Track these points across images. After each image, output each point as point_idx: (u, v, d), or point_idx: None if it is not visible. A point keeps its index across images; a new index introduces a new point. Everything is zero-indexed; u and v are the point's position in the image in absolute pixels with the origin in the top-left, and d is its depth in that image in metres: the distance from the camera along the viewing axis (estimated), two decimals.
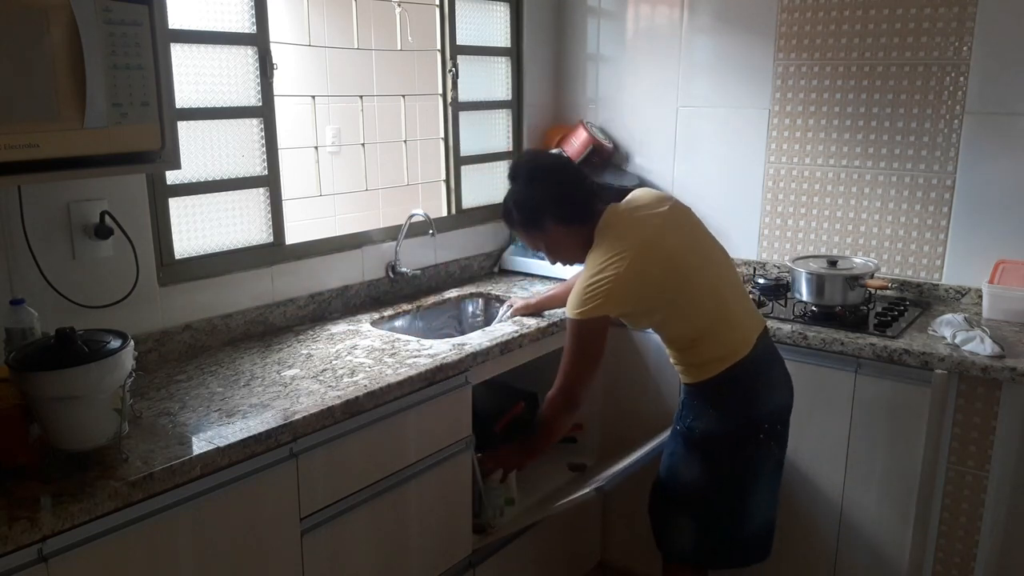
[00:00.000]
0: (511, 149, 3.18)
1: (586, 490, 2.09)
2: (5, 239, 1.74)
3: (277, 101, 2.29)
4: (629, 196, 2.07)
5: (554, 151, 2.02)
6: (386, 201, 3.12)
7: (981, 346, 2.07)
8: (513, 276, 2.98)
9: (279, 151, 2.33)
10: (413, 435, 2.00)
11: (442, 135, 2.92)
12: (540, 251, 2.10)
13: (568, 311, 1.92)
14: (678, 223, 1.99)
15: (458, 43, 2.87)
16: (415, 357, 2.07)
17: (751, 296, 2.50)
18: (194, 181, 2.14)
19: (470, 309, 2.79)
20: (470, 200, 3.02)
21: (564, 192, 2.00)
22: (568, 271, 2.47)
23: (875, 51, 2.59)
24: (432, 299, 2.67)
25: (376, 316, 2.47)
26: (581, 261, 1.99)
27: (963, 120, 2.48)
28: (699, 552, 2.05)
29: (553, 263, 2.13)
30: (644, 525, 2.68)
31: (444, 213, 2.96)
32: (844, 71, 2.65)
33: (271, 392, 1.84)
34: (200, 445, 1.56)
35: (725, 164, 2.92)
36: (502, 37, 3.08)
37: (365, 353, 2.11)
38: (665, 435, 2.13)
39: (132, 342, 1.50)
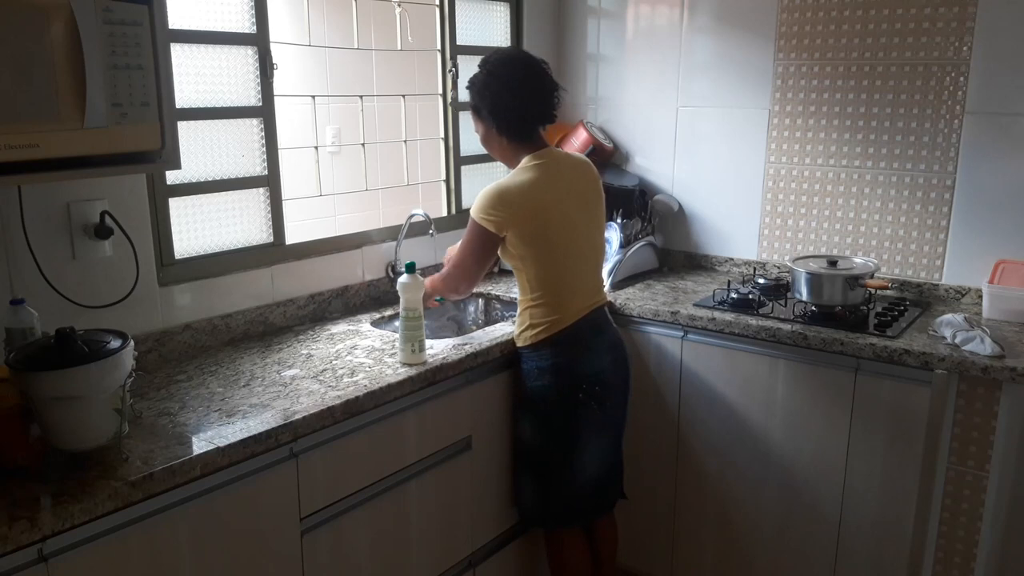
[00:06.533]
0: None
1: None
2: (5, 239, 1.74)
3: (277, 101, 2.29)
4: (566, 153, 2.27)
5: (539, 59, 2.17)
6: (386, 201, 3.11)
7: (981, 346, 2.07)
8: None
9: (279, 151, 2.33)
10: (413, 435, 2.00)
11: (442, 135, 2.92)
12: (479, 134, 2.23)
13: (473, 213, 2.11)
14: (577, 190, 2.16)
15: (458, 43, 2.86)
16: None
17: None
18: (194, 181, 2.14)
19: (470, 309, 2.79)
20: (470, 200, 3.01)
21: (506, 103, 2.10)
22: None
23: (875, 51, 2.59)
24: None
25: (376, 316, 2.47)
26: (507, 165, 2.21)
27: (963, 120, 2.48)
28: (545, 510, 2.25)
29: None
30: (644, 525, 2.68)
31: (444, 213, 2.97)
32: (844, 71, 2.65)
33: (271, 392, 1.84)
34: (200, 445, 1.56)
35: (725, 164, 2.92)
36: (502, 37, 3.08)
37: (365, 353, 2.11)
38: None
39: (132, 342, 1.50)
